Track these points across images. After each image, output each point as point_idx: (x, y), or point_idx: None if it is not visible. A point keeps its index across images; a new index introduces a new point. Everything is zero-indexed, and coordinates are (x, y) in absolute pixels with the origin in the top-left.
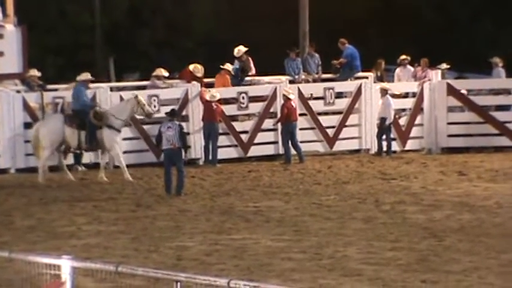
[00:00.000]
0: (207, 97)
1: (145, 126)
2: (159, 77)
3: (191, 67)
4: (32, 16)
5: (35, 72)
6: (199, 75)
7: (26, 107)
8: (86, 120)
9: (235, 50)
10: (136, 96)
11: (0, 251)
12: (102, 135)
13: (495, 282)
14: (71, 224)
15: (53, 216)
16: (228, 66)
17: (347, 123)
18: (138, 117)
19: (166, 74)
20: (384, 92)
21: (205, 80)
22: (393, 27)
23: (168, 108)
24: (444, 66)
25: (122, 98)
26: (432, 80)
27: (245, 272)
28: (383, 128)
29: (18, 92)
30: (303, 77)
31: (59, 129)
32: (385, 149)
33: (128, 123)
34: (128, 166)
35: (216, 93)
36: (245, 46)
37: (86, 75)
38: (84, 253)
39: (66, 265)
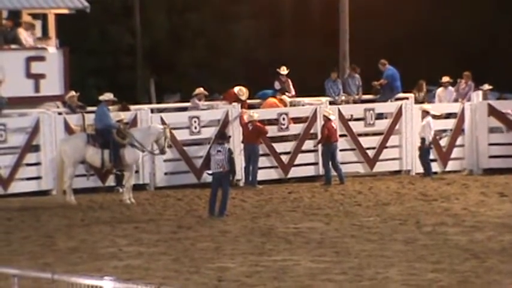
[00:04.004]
0: (245, 118)
1: (185, 148)
2: (199, 97)
3: (236, 89)
4: (73, 38)
5: (72, 93)
6: (243, 98)
7: (68, 128)
8: (110, 139)
9: (282, 68)
10: (165, 128)
11: (43, 272)
12: (124, 153)
13: None
14: (113, 246)
15: (95, 238)
16: (285, 97)
17: (387, 145)
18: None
19: (205, 92)
20: (425, 113)
21: (248, 101)
22: (433, 48)
23: (209, 130)
24: (487, 87)
25: (162, 120)
26: (474, 95)
27: None
28: (424, 149)
29: (59, 113)
30: (343, 98)
31: (81, 148)
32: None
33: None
34: (169, 187)
35: (254, 113)
36: (286, 67)
37: (108, 96)
38: (125, 274)
39: (108, 286)
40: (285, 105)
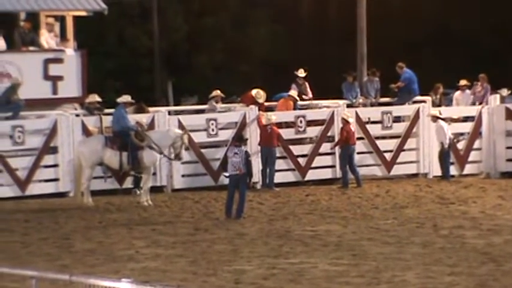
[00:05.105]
0: (263, 121)
1: (203, 150)
2: (216, 99)
3: (253, 92)
4: (91, 40)
5: (95, 98)
6: (260, 101)
7: (85, 130)
8: (128, 141)
9: (300, 70)
10: (184, 134)
11: (60, 274)
12: (143, 155)
13: None
14: (130, 247)
15: (112, 240)
16: (293, 93)
17: (405, 147)
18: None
19: (222, 95)
20: (435, 118)
21: (266, 103)
22: (451, 50)
23: (226, 132)
24: (506, 92)
25: (180, 122)
26: (491, 98)
27: None
28: (442, 152)
29: (77, 115)
30: (361, 100)
31: (99, 150)
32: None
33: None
34: (186, 189)
35: (272, 116)
36: (304, 70)
37: (126, 98)
38: (142, 276)
39: None
40: (294, 100)
